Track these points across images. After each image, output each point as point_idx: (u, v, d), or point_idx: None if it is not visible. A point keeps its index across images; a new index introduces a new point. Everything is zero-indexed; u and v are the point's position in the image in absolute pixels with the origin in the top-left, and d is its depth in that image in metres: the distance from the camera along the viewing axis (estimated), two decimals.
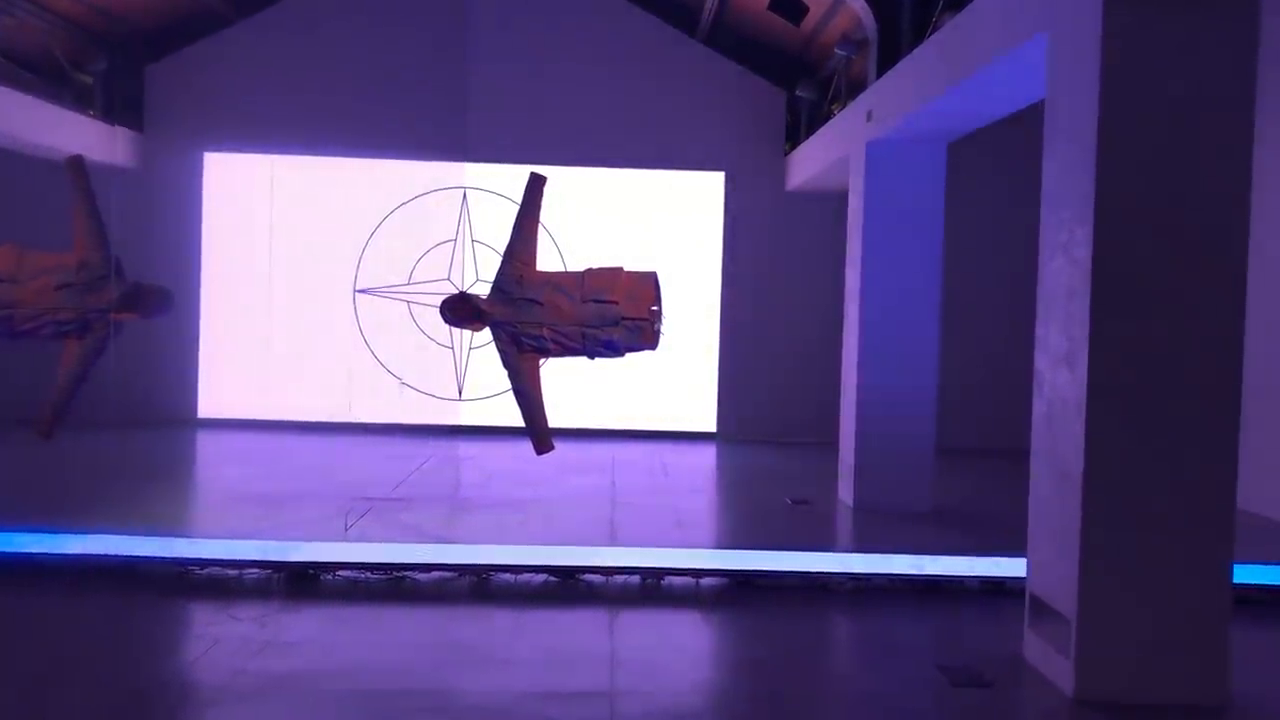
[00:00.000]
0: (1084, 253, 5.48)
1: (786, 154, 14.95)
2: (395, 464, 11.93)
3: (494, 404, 13.80)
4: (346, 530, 8.51)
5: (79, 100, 13.29)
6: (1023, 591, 6.23)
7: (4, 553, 7.42)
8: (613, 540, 8.72)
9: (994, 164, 13.90)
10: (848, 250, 10.87)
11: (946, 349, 10.72)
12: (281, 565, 7.27)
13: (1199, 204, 5.41)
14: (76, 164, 9.26)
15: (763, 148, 15.10)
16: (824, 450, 13.08)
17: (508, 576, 7.34)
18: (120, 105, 14.12)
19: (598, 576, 7.35)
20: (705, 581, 7.36)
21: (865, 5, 10.69)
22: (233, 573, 7.24)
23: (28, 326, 9.08)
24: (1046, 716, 5.35)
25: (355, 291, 14.77)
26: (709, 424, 15.17)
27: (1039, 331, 6.03)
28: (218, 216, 14.95)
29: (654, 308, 9.51)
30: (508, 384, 9.76)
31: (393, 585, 7.20)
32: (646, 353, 9.80)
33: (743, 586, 7.32)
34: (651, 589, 7.27)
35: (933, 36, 8.65)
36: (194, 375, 14.93)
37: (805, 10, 12.81)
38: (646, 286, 9.57)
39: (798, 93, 14.03)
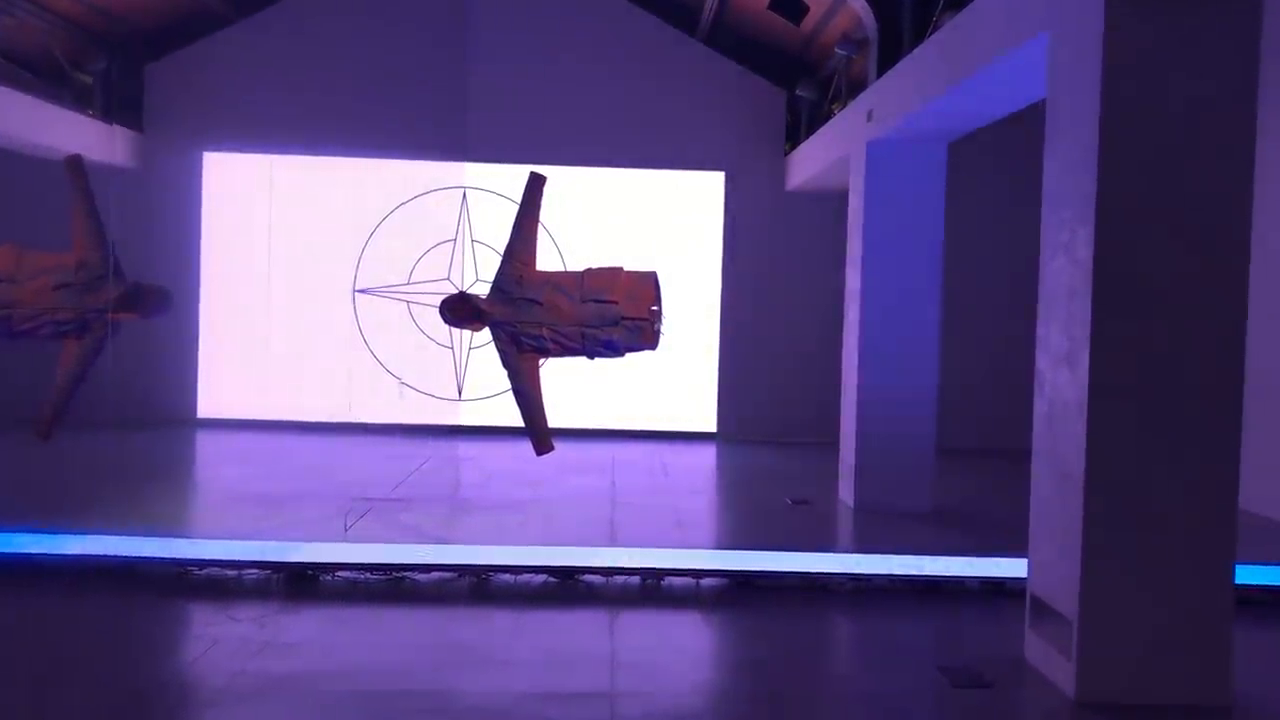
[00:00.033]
0: (1085, 252, 5.46)
1: (786, 154, 14.94)
2: (395, 464, 11.91)
3: (494, 404, 13.78)
4: (346, 531, 8.50)
5: (79, 100, 13.27)
6: (1023, 592, 6.22)
7: (3, 553, 7.41)
8: (612, 541, 8.70)
9: (994, 164, 13.89)
10: (848, 250, 10.86)
11: (947, 349, 10.72)
12: (281, 566, 7.26)
13: (1201, 203, 5.40)
14: (75, 164, 9.24)
15: (763, 147, 15.09)
16: (824, 450, 13.06)
17: (507, 577, 7.32)
18: (120, 105, 14.11)
19: (597, 577, 7.34)
20: (705, 582, 7.34)
21: (866, 5, 10.67)
22: (232, 573, 7.23)
23: (26, 326, 9.06)
24: (1048, 717, 5.34)
25: (355, 291, 14.76)
26: (709, 424, 15.16)
27: (1040, 331, 6.01)
28: (217, 216, 14.94)
29: (654, 308, 9.50)
30: (507, 384, 9.75)
31: (392, 586, 7.18)
32: (646, 353, 9.78)
33: (743, 587, 7.31)
34: (651, 589, 7.26)
35: (933, 36, 8.64)
36: (193, 375, 14.92)
37: (805, 10, 12.80)
38: (646, 286, 9.56)
39: (798, 92, 14.02)
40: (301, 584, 7.14)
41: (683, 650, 6.29)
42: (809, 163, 13.49)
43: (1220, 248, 5.40)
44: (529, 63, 14.83)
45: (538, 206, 9.57)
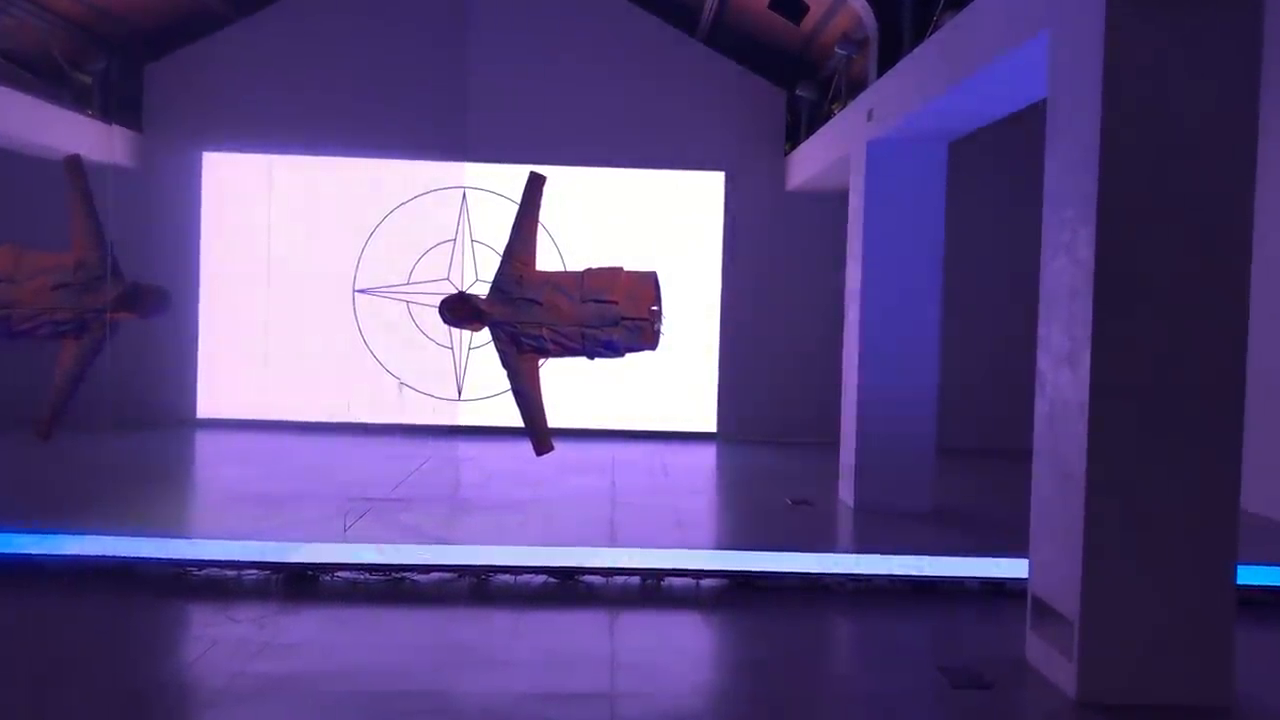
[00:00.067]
0: (1087, 252, 5.45)
1: (786, 154, 14.93)
2: (394, 464, 11.90)
3: (493, 404, 13.77)
4: (345, 531, 8.48)
5: (78, 100, 13.26)
6: (1024, 593, 6.20)
7: (3, 553, 7.39)
8: (612, 541, 8.69)
9: (995, 163, 13.89)
10: (848, 250, 10.85)
11: (947, 349, 10.71)
12: (280, 566, 7.24)
13: (1202, 203, 5.38)
14: (74, 163, 9.23)
15: (763, 147, 15.08)
16: (824, 450, 13.04)
17: (507, 577, 7.31)
18: (119, 105, 14.10)
19: (597, 578, 7.33)
20: (705, 582, 7.33)
21: (866, 4, 10.66)
22: (231, 574, 7.21)
23: (25, 326, 9.05)
24: (1049, 718, 5.33)
25: (355, 291, 14.75)
26: (709, 424, 15.15)
27: (1041, 331, 6.00)
28: (217, 216, 14.93)
29: (654, 308, 9.49)
30: (507, 384, 9.73)
31: (392, 586, 7.17)
32: (646, 353, 9.77)
33: (743, 587, 7.29)
34: (651, 590, 7.25)
35: (934, 36, 8.63)
36: (193, 375, 14.90)
37: (805, 9, 12.79)
38: (646, 286, 9.55)
39: (798, 92, 14.01)
40: (301, 584, 7.12)
41: (683, 651, 6.28)
42: (809, 163, 13.48)
43: (1222, 247, 5.39)
44: (529, 62, 14.82)
45: (537, 206, 9.56)
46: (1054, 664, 5.67)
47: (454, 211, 14.59)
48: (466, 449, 13.45)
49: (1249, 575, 6.77)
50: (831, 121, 12.28)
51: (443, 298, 9.95)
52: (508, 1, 14.82)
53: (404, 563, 7.34)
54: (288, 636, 6.16)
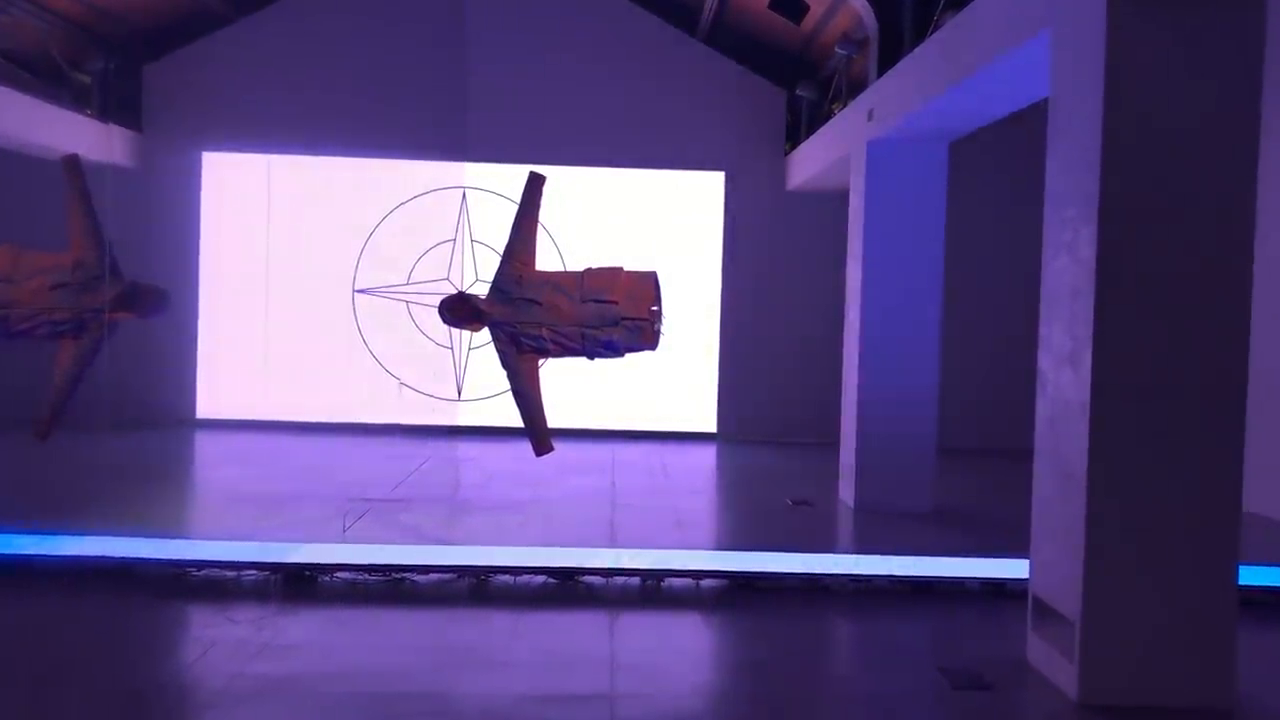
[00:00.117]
0: (1088, 252, 5.43)
1: (787, 154, 14.91)
2: (394, 465, 11.89)
3: (493, 404, 13.77)
4: (345, 531, 8.47)
5: (77, 100, 13.24)
6: (1024, 593, 6.19)
7: (2, 554, 7.37)
8: (612, 541, 8.67)
9: (995, 163, 13.88)
10: (848, 250, 10.84)
11: (948, 349, 10.69)
12: (279, 567, 7.22)
13: (1204, 203, 5.37)
14: (72, 163, 9.22)
15: (763, 147, 15.07)
16: (824, 450, 13.04)
17: (507, 578, 7.29)
18: (118, 105, 14.08)
19: (597, 578, 7.31)
20: (705, 583, 7.32)
21: (866, 4, 10.65)
22: (230, 574, 7.20)
23: (24, 326, 9.04)
24: (1049, 719, 5.31)
25: (354, 291, 14.74)
26: (709, 424, 15.14)
27: (1042, 331, 5.99)
28: (216, 216, 14.91)
29: (654, 308, 9.47)
30: (507, 384, 9.72)
31: (391, 587, 7.16)
32: (646, 353, 9.75)
33: (743, 588, 7.28)
34: (651, 591, 7.23)
35: (934, 35, 8.61)
36: (192, 375, 14.89)
37: (806, 9, 12.77)
38: (646, 286, 9.53)
39: (798, 92, 14.00)
40: (300, 585, 7.11)
41: (683, 651, 6.27)
42: (809, 162, 13.47)
43: (1223, 247, 5.38)
44: (529, 62, 14.80)
45: (537, 206, 9.55)
46: (1055, 665, 5.66)
47: (454, 211, 14.58)
48: (466, 449, 13.44)
49: (1250, 576, 6.76)
50: (832, 121, 12.26)
51: (442, 298, 9.94)
52: (507, 1, 14.80)
53: (403, 563, 7.33)
54: (287, 637, 6.15)
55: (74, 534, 7.76)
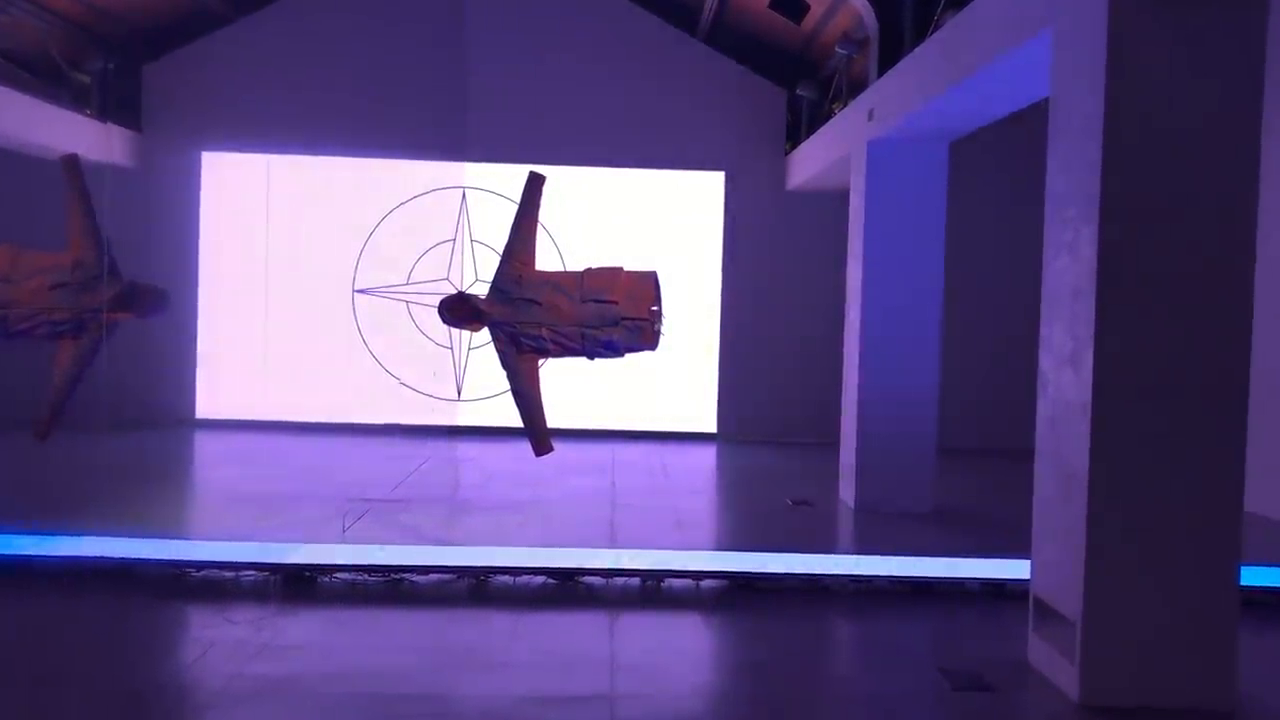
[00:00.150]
0: (1089, 251, 5.42)
1: (787, 153, 14.90)
2: (394, 465, 11.88)
3: (493, 405, 13.76)
4: (344, 532, 8.45)
5: (76, 100, 13.23)
6: (1025, 594, 6.18)
7: (1, 554, 7.35)
8: (612, 542, 8.66)
9: (996, 163, 13.87)
10: (849, 250, 10.83)
11: (948, 348, 10.69)
12: (278, 567, 7.21)
13: (1205, 202, 5.36)
14: (71, 163, 9.20)
15: (763, 147, 15.06)
16: (824, 450, 13.03)
17: (507, 579, 7.28)
18: (118, 104, 14.07)
19: (597, 579, 7.30)
20: (705, 583, 7.30)
21: (866, 3, 10.64)
22: (229, 575, 7.18)
23: (23, 326, 9.02)
24: None
25: (354, 291, 14.72)
26: (709, 424, 15.12)
27: (1043, 331, 5.97)
28: (216, 216, 14.90)
29: (654, 308, 9.46)
30: (507, 385, 9.71)
31: (391, 587, 7.14)
32: (646, 353, 9.74)
33: (743, 589, 7.26)
34: (651, 591, 7.22)
35: (935, 35, 8.60)
36: (192, 375, 14.88)
37: (806, 9, 12.76)
38: (646, 286, 9.52)
39: (798, 92, 13.98)
40: (299, 586, 7.09)
41: (683, 652, 6.25)
42: (809, 162, 13.45)
43: (1225, 247, 5.36)
44: (529, 62, 14.79)
45: (537, 206, 9.53)
46: (1056, 666, 5.64)
47: (454, 211, 14.56)
48: (466, 449, 13.42)
49: (1251, 576, 6.75)
50: (832, 121, 12.25)
51: (442, 298, 9.93)
52: (507, 1, 14.79)
53: (403, 564, 7.31)
54: (286, 638, 6.13)
55: (73, 534, 7.74)
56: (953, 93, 8.12)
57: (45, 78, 12.86)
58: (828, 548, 8.98)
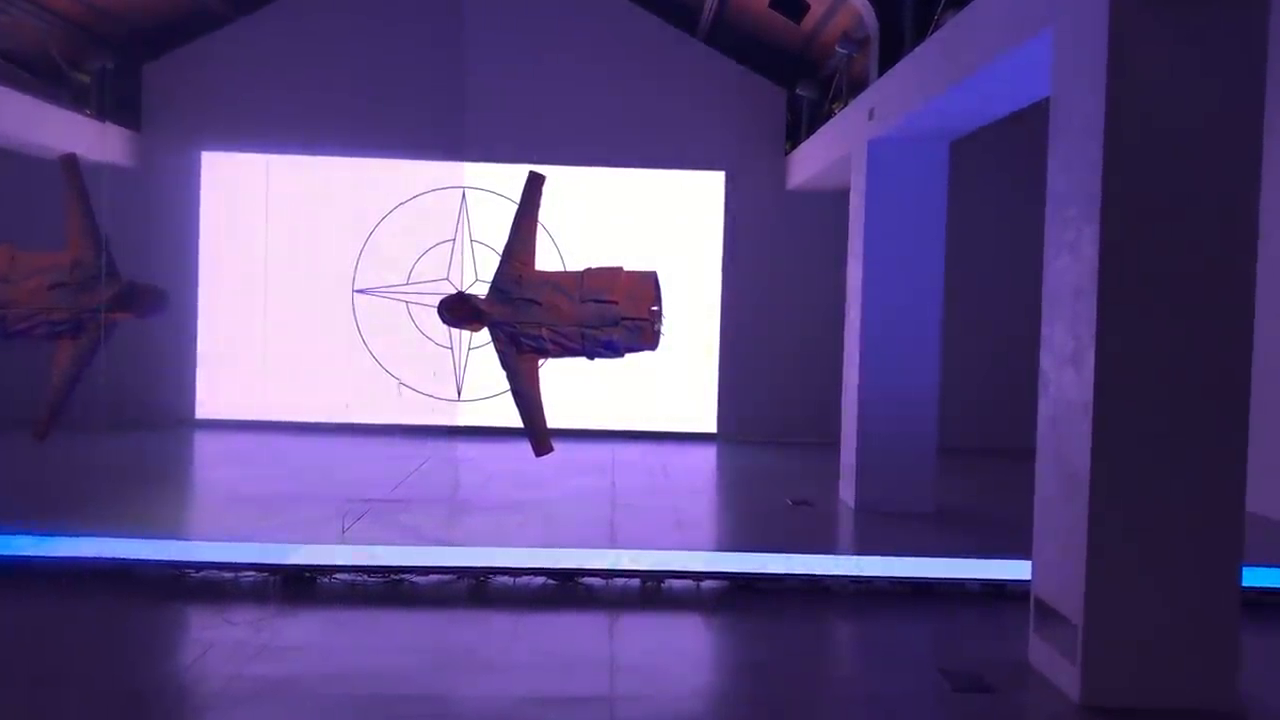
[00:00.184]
0: (1091, 251, 5.40)
1: (787, 153, 14.89)
2: (393, 465, 11.86)
3: (493, 405, 13.74)
4: (343, 532, 8.44)
5: (76, 99, 13.22)
6: (1026, 594, 6.16)
7: (0, 555, 7.36)
8: (612, 542, 8.64)
9: (997, 162, 13.86)
10: (849, 249, 10.81)
11: (948, 348, 10.67)
12: (278, 568, 7.19)
13: (1207, 202, 5.34)
14: (69, 162, 9.18)
15: (763, 147, 15.04)
16: (825, 450, 13.01)
17: (506, 579, 7.27)
18: (117, 104, 14.05)
19: (597, 580, 7.28)
20: (705, 584, 7.29)
21: (867, 3, 10.62)
22: (228, 576, 7.17)
23: (22, 326, 9.01)
24: None
25: (354, 291, 14.71)
26: (709, 424, 15.10)
27: (1044, 331, 5.96)
28: (215, 216, 14.88)
29: (654, 308, 9.44)
30: (506, 385, 9.69)
31: (390, 588, 7.13)
32: (646, 353, 9.72)
33: (743, 589, 7.25)
34: (651, 592, 7.20)
35: (935, 34, 8.59)
36: (191, 375, 14.86)
37: (806, 8, 12.74)
38: (646, 286, 9.50)
39: (798, 91, 13.97)
40: (299, 586, 7.08)
41: (683, 653, 6.24)
42: (810, 162, 13.44)
43: (1227, 246, 5.35)
44: (528, 62, 14.78)
45: (537, 206, 9.52)
46: (1057, 667, 5.63)
47: (453, 211, 14.55)
48: (466, 450, 13.41)
49: (1253, 577, 6.73)
50: (832, 121, 12.24)
51: (442, 298, 9.91)
52: (506, 1, 14.77)
53: (403, 564, 7.30)
54: (285, 639, 6.12)
55: (72, 535, 7.73)
56: (953, 92, 8.10)
57: (45, 77, 12.84)
58: (828, 548, 8.96)
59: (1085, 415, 5.40)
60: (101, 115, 13.51)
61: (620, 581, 7.27)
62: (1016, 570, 7.08)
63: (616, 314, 9.39)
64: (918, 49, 8.99)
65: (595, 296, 9.41)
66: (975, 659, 6.03)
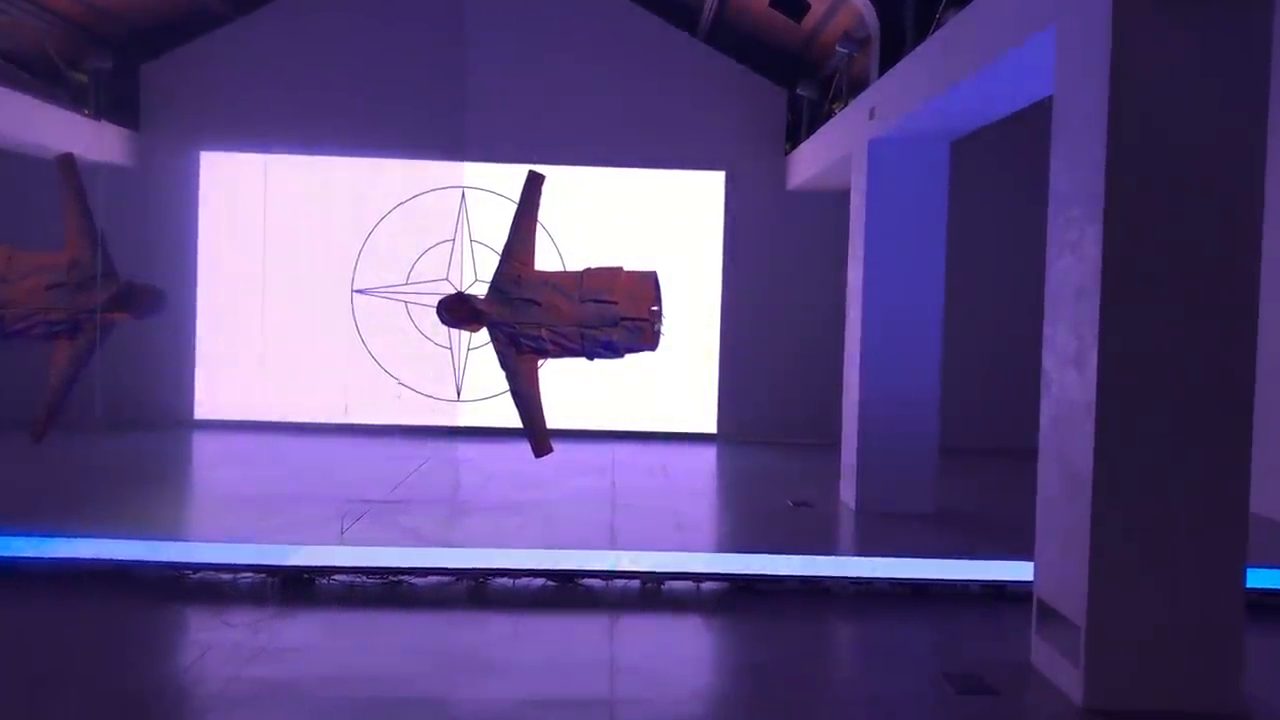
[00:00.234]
0: (1093, 251, 5.38)
1: (787, 153, 14.86)
2: (393, 466, 11.83)
3: (493, 405, 13.71)
4: (342, 533, 8.41)
5: (75, 99, 13.19)
6: (1028, 596, 6.14)
7: None
8: (612, 543, 8.61)
9: (998, 161, 13.83)
10: (849, 250, 10.79)
11: (949, 348, 10.64)
12: (276, 569, 7.16)
13: (1211, 201, 5.32)
14: (67, 162, 9.16)
15: (763, 147, 15.01)
16: (825, 451, 12.99)
17: (506, 581, 7.24)
18: (116, 104, 14.02)
19: (597, 581, 7.26)
20: (706, 586, 7.26)
21: (868, 2, 10.59)
22: (227, 577, 7.14)
23: (19, 326, 8.98)
24: None
25: (353, 291, 14.68)
26: (709, 425, 15.07)
27: (1047, 331, 5.93)
28: (214, 216, 14.85)
29: (654, 308, 9.42)
30: (506, 385, 9.66)
31: (389, 590, 7.10)
32: (646, 353, 9.70)
33: (744, 591, 7.22)
34: (651, 593, 7.17)
35: (936, 33, 8.56)
36: (190, 376, 14.82)
37: (807, 8, 12.72)
38: (646, 286, 9.48)
39: (799, 91, 13.95)
40: (297, 588, 7.05)
41: (683, 655, 6.21)
42: (810, 162, 13.41)
43: (1230, 246, 5.32)
44: (528, 62, 14.75)
45: (536, 205, 9.49)
46: (1059, 668, 5.60)
47: (453, 211, 14.52)
48: (465, 450, 13.38)
49: (1256, 578, 6.70)
50: (833, 120, 12.21)
51: (441, 298, 9.88)
52: (506, 0, 14.74)
53: (402, 566, 7.27)
54: (283, 641, 6.09)
55: (70, 536, 7.70)
56: (954, 92, 8.08)
57: (43, 77, 12.81)
58: (828, 549, 8.94)
59: (1088, 415, 5.37)
60: (100, 115, 13.48)
61: (620, 583, 7.25)
62: (1017, 571, 7.06)
63: (616, 314, 9.37)
64: (919, 48, 8.96)
65: (595, 297, 9.38)
66: (976, 660, 6.01)
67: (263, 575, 7.13)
